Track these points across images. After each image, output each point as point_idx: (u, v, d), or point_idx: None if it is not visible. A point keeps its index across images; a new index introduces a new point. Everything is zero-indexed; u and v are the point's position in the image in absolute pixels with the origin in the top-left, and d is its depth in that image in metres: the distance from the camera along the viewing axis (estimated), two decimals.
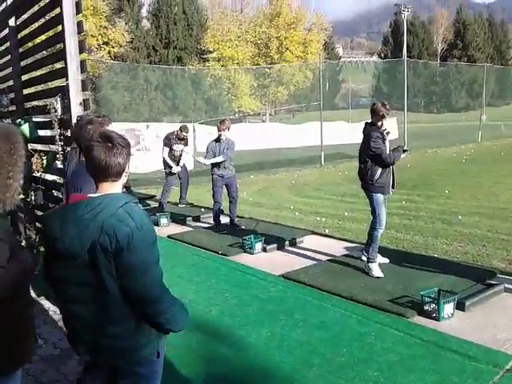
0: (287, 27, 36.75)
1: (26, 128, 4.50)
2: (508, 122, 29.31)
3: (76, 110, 3.61)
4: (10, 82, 5.07)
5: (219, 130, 6.78)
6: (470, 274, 4.76)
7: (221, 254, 5.90)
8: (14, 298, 1.74)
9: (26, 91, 4.97)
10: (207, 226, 7.39)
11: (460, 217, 7.48)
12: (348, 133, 18.06)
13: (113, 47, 32.74)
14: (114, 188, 1.90)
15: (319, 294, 4.47)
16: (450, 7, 65.50)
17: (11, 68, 4.97)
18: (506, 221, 7.09)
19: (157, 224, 7.41)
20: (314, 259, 5.51)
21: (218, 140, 6.84)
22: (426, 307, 3.95)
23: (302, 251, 6.01)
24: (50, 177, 4.83)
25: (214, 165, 6.85)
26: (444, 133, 25.91)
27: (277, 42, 36.57)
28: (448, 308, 3.89)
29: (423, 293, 4.01)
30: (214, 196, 7.02)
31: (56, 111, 3.81)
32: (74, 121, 3.67)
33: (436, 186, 10.60)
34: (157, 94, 33.05)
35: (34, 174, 4.75)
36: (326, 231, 6.94)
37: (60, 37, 3.75)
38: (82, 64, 3.62)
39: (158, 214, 7.65)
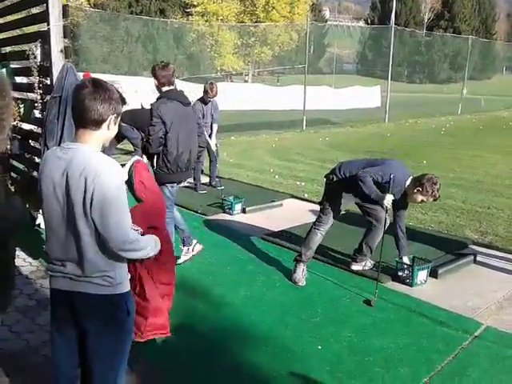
0: None
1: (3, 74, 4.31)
2: (488, 96, 29.62)
3: (57, 57, 3.46)
4: None
5: (210, 94, 6.56)
6: (443, 243, 4.88)
7: (200, 213, 5.89)
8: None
9: (1, 35, 4.72)
10: (186, 185, 7.32)
11: None
12: (331, 98, 17.95)
13: None
14: (91, 139, 1.84)
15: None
16: None
17: None
18: (481, 193, 7.25)
19: None
20: (292, 222, 5.54)
21: (204, 102, 6.70)
22: (400, 273, 4.05)
23: (281, 214, 6.06)
24: (26, 126, 4.67)
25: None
26: (425, 103, 26.02)
27: None
28: (422, 275, 4.01)
29: (398, 259, 4.11)
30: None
31: (35, 57, 3.64)
32: (54, 68, 3.52)
33: (414, 155, 10.68)
34: (137, 46, 31.99)
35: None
36: (305, 196, 6.98)
37: None
38: (65, 9, 3.44)
39: None
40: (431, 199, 3.84)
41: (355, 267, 4.24)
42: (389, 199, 3.70)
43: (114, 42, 30.53)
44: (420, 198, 3.83)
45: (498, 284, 4.01)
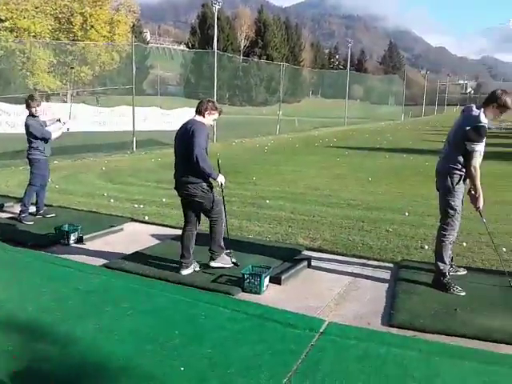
0: (93, 3, 34.44)
1: None
2: (300, 117, 33.02)
3: None
4: None
5: (32, 107, 6.16)
6: (281, 251, 5.27)
7: (30, 246, 5.32)
8: None
9: None
10: (10, 216, 6.57)
11: (267, 201, 8.17)
12: (161, 119, 17.95)
13: None
14: None
15: (146, 281, 4.41)
16: (252, 6, 69.93)
17: None
18: (306, 204, 8.01)
19: None
20: (136, 246, 5.38)
21: (34, 116, 6.21)
22: (246, 283, 4.23)
23: (122, 239, 5.83)
24: None
25: (40, 144, 6.21)
26: (247, 124, 27.78)
27: (81, 18, 34.05)
28: (266, 281, 4.27)
29: (243, 271, 4.30)
30: (37, 180, 6.33)
31: None
32: None
33: (244, 173, 11.32)
34: None
35: None
36: (146, 218, 6.84)
37: None
38: None
39: None
40: (219, 113, 4.54)
41: (214, 264, 4.63)
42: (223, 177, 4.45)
43: None
44: (214, 118, 4.53)
45: (332, 283, 4.48)
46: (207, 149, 4.37)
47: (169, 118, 18.06)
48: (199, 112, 4.46)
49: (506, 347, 3.31)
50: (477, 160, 4.04)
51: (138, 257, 4.99)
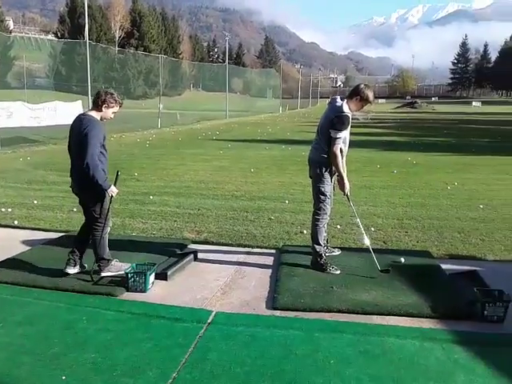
0: None
1: None
2: (182, 110, 32.71)
3: None
4: None
5: None
6: (167, 246, 5.20)
7: None
8: None
9: None
10: None
11: (151, 197, 7.99)
12: (28, 115, 16.55)
13: None
14: None
15: (18, 290, 4.06)
16: None
17: None
18: (190, 197, 7.99)
19: None
20: (5, 254, 4.91)
21: None
22: (131, 283, 4.11)
23: None
24: None
25: None
26: (127, 119, 26.76)
27: None
28: (151, 279, 4.19)
29: (127, 270, 4.17)
30: None
31: None
32: None
33: (125, 169, 10.88)
34: None
35: None
36: (15, 222, 6.29)
37: None
38: None
39: None
40: (119, 105, 4.24)
41: (104, 274, 4.32)
42: (115, 190, 4.15)
43: None
44: (113, 111, 4.23)
45: (219, 273, 4.54)
46: (105, 146, 4.15)
47: (38, 112, 16.75)
48: (96, 105, 4.16)
49: (377, 318, 3.65)
50: (338, 146, 4.35)
51: (7, 265, 4.56)
